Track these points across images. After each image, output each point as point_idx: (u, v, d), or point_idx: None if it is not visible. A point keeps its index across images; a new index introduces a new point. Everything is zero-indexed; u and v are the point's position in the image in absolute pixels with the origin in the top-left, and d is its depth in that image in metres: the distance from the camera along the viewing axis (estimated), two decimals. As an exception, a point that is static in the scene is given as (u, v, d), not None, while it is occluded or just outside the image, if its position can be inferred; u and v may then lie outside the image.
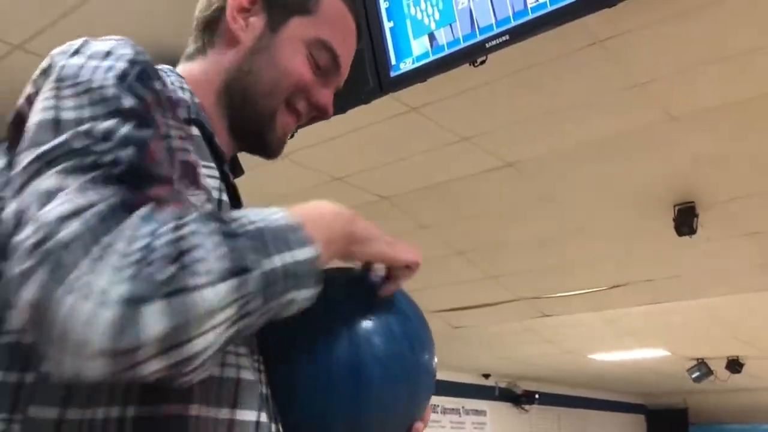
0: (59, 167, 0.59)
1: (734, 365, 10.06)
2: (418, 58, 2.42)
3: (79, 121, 0.64)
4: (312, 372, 0.77)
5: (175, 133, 0.74)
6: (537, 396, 13.12)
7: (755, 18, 2.77)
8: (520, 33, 2.13)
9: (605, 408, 16.00)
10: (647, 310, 6.69)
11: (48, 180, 0.59)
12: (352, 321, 0.81)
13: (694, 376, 10.46)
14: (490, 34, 2.20)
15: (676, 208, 4.31)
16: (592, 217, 4.65)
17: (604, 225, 4.73)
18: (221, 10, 0.94)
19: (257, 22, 0.93)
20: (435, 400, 11.12)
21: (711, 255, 4.87)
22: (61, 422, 0.65)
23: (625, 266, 5.23)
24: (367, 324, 0.83)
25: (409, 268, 0.90)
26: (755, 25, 2.80)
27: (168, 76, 0.86)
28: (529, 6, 2.09)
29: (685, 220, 4.29)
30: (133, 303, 0.53)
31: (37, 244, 0.55)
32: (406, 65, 2.44)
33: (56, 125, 0.64)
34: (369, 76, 2.48)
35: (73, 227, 0.54)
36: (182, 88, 0.87)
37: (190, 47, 0.97)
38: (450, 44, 2.32)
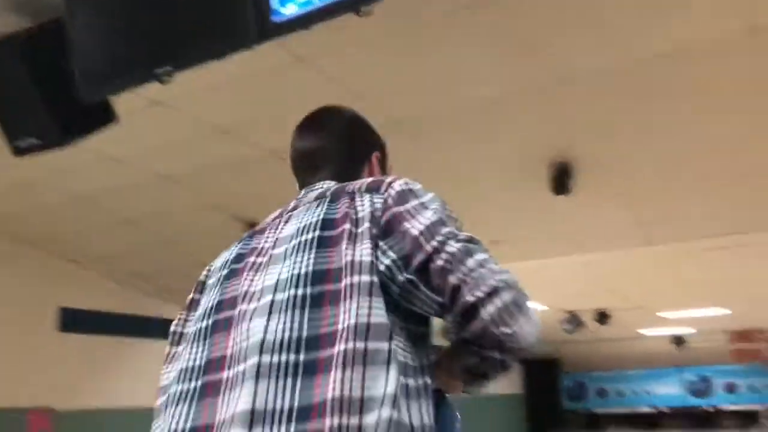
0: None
1: (602, 317, 10.80)
2: (302, 4, 2.33)
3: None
4: None
5: None
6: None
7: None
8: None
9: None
10: (524, 266, 6.98)
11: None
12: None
13: (566, 327, 11.15)
14: (374, -19, 2.15)
15: (553, 167, 4.47)
16: (471, 174, 4.74)
17: (483, 182, 4.84)
18: None
19: None
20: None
21: (585, 214, 5.12)
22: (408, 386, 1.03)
23: (503, 223, 5.40)
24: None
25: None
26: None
27: None
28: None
29: (561, 179, 4.47)
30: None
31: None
32: (289, 11, 2.34)
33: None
34: (249, 21, 2.36)
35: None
36: None
37: None
38: (333, -10, 2.25)
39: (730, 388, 16.17)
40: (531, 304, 1.08)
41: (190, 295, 1.32)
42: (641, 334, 14.12)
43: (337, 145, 1.40)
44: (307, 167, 1.40)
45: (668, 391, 16.62)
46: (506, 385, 17.81)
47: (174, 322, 1.31)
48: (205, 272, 1.35)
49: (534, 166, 4.48)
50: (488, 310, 1.00)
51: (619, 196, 4.80)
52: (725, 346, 14.45)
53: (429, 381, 1.08)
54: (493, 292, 1.01)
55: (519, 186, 4.76)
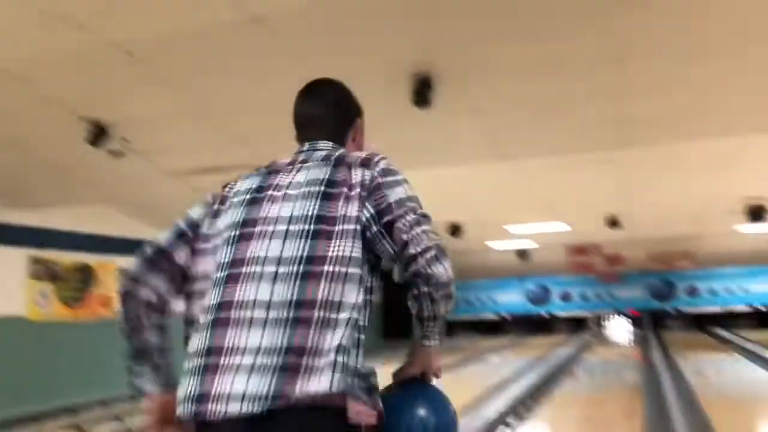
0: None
1: (455, 229, 11.31)
2: None
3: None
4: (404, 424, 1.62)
5: None
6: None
7: None
8: None
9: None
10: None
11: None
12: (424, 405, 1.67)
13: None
14: None
15: (414, 79, 4.49)
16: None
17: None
18: None
19: None
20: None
21: (442, 127, 5.23)
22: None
23: (366, 134, 5.42)
24: (423, 405, 1.67)
25: (436, 374, 1.72)
26: None
27: None
28: None
29: (422, 92, 4.51)
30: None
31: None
32: None
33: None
34: None
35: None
36: None
37: None
38: None
39: (565, 297, 17.73)
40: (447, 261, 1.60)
41: (216, 206, 1.75)
42: (489, 246, 15.01)
43: (332, 112, 1.89)
44: (307, 128, 1.85)
45: (511, 300, 17.98)
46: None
47: (193, 211, 1.79)
48: (227, 190, 1.76)
49: (395, 78, 4.48)
50: (421, 259, 1.57)
51: (474, 112, 4.92)
52: (563, 259, 15.72)
53: (374, 297, 1.66)
54: (426, 249, 1.58)
55: (379, 99, 4.75)
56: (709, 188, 8.86)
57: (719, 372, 10.32)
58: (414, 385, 1.69)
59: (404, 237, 1.58)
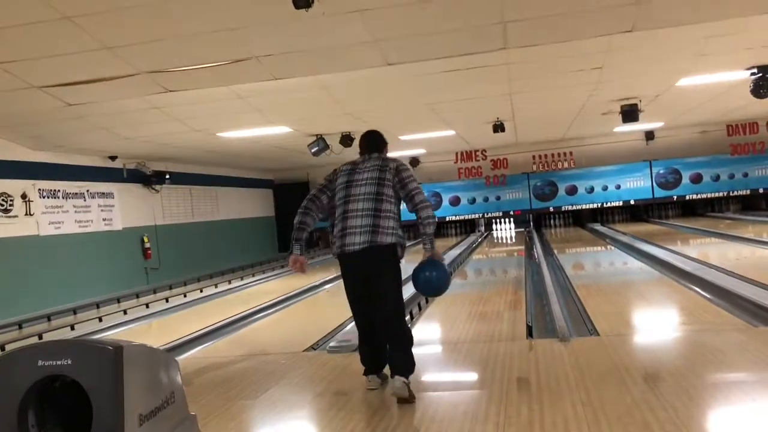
0: None
1: (347, 139, 11.29)
2: None
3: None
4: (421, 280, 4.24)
5: None
6: (168, 176, 13.17)
7: None
8: None
9: (237, 185, 16.92)
10: (269, 87, 6.91)
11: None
12: (430, 269, 4.21)
13: (313, 150, 11.49)
14: None
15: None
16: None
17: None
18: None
19: None
20: (56, 185, 10.36)
21: (324, 31, 5.09)
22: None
23: (246, 40, 5.21)
24: (431, 270, 4.21)
25: (439, 257, 4.34)
26: None
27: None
28: None
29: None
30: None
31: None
32: None
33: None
34: None
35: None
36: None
37: None
38: None
39: (455, 202, 18.32)
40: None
41: (332, 176, 4.36)
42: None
43: (377, 143, 4.42)
44: (366, 151, 4.38)
45: (403, 207, 18.35)
46: (259, 209, 18.23)
47: (325, 179, 4.38)
48: (339, 167, 4.35)
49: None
50: (420, 208, 4.08)
51: (354, 12, 4.80)
52: (452, 165, 16.11)
53: (398, 208, 4.18)
54: (421, 202, 4.09)
55: (262, 2, 4.54)
56: (586, 91, 9.23)
57: (595, 263, 11.13)
58: (428, 260, 4.16)
59: (411, 195, 4.10)
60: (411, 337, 4.12)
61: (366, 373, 4.30)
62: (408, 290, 4.52)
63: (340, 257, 4.14)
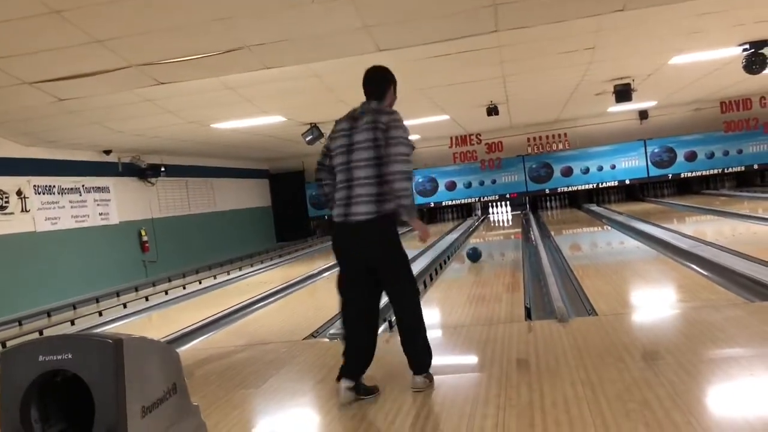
0: None
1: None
2: None
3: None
4: None
5: None
6: (163, 169, 13.14)
7: None
8: None
9: (233, 175, 16.89)
10: (262, 77, 6.88)
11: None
12: None
13: (307, 139, 11.46)
14: None
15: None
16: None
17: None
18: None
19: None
20: (52, 180, 10.34)
21: (316, 18, 5.06)
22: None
23: (237, 29, 5.18)
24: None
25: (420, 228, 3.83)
26: None
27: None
28: None
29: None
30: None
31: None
32: None
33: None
34: None
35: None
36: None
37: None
38: None
39: (451, 187, 18.33)
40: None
41: (328, 141, 3.91)
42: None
43: (377, 88, 3.88)
44: (368, 94, 3.87)
45: (400, 193, 18.35)
46: (256, 199, 18.21)
47: (325, 146, 3.95)
48: (336, 125, 3.89)
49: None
50: (394, 178, 3.59)
51: None
52: (447, 150, 16.09)
53: None
54: (398, 172, 3.57)
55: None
56: (579, 72, 9.22)
57: (592, 244, 11.16)
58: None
59: (389, 159, 3.61)
60: (424, 322, 3.77)
61: (343, 376, 3.69)
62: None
63: (340, 227, 3.70)
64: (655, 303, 5.79)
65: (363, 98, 3.90)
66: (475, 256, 9.22)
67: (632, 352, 4.10)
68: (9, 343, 6.75)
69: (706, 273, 6.53)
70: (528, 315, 5.60)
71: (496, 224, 16.59)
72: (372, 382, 3.84)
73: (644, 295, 6.22)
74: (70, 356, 2.21)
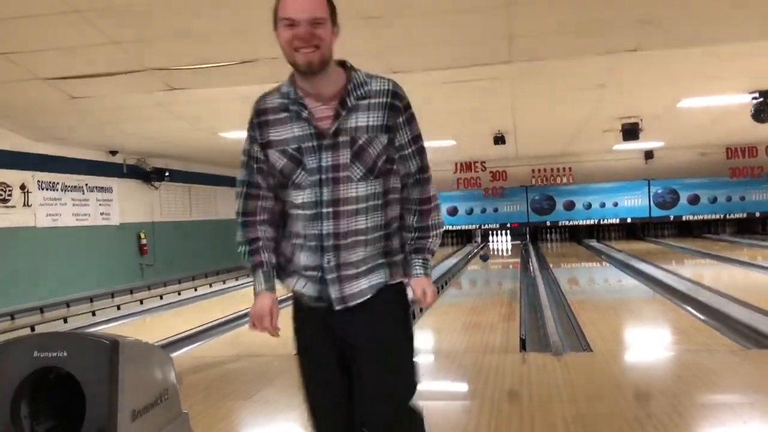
0: None
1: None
2: None
3: None
4: None
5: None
6: (167, 173, 13.17)
7: None
8: None
9: (235, 185, 16.86)
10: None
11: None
12: None
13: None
14: None
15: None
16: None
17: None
18: None
19: None
20: (56, 177, 10.36)
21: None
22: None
23: (254, 42, 5.22)
24: None
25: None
26: None
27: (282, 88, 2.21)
28: None
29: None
30: None
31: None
32: None
33: None
34: None
35: None
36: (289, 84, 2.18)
37: None
38: None
39: (453, 212, 18.35)
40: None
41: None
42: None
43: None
44: None
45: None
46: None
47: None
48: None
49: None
50: None
51: (360, 20, 4.82)
52: (451, 175, 16.15)
53: None
54: None
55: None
56: (588, 108, 9.27)
57: (590, 279, 11.14)
58: None
59: None
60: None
61: None
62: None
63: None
64: (650, 343, 5.77)
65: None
66: (485, 257, 9.53)
67: (625, 390, 4.08)
68: (1, 337, 6.72)
69: (702, 317, 6.51)
70: (523, 346, 5.58)
71: (496, 253, 16.57)
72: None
73: (640, 335, 6.20)
74: (65, 354, 2.20)
